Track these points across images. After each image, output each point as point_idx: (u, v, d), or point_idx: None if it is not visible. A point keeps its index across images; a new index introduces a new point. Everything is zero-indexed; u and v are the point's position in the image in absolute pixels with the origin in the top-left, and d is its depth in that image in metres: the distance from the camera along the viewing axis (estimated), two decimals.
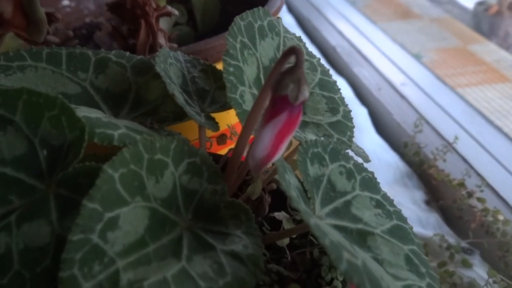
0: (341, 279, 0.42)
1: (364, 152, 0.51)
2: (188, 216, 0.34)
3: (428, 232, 0.73)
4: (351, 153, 0.43)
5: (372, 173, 0.42)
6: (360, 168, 0.41)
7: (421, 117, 0.97)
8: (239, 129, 0.66)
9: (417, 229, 0.75)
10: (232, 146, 0.40)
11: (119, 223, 0.28)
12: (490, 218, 0.70)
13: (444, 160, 0.84)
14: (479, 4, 1.61)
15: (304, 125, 0.42)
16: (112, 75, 0.42)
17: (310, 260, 0.43)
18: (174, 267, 0.29)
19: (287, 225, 0.46)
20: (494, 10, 1.61)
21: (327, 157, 0.39)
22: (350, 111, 0.45)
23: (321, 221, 0.33)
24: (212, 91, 0.43)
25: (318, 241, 0.26)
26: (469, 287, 0.61)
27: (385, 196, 0.40)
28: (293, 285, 0.38)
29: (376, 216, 0.38)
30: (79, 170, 0.29)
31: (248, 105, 0.38)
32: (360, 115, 1.04)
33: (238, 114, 0.36)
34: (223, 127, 0.69)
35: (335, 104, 0.45)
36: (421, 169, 0.87)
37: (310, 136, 0.41)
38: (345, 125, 0.44)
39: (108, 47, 0.71)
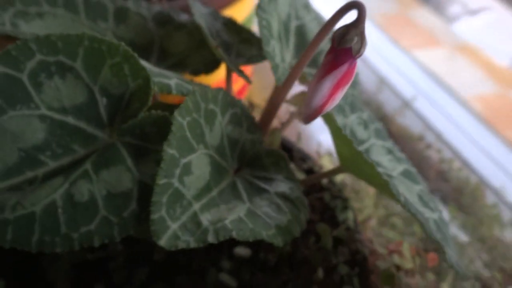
0: (352, 218, 0.46)
1: None
2: (234, 164, 0.36)
3: None
4: None
5: (379, 123, 0.46)
6: (371, 119, 0.45)
7: (380, 77, 1.04)
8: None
9: None
10: None
11: (192, 169, 0.30)
12: (446, 166, 0.79)
13: (403, 117, 0.92)
14: None
15: None
16: (134, 26, 0.41)
17: (323, 204, 0.48)
18: (243, 208, 0.31)
19: (297, 175, 0.49)
20: None
21: (347, 108, 0.42)
22: None
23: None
24: (235, 45, 0.43)
25: (397, 198, 0.30)
26: None
27: (392, 144, 0.45)
28: (321, 224, 0.42)
29: (390, 162, 0.43)
30: (146, 119, 0.29)
31: (278, 59, 0.40)
32: None
33: (272, 68, 0.38)
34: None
35: None
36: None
37: None
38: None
39: None
